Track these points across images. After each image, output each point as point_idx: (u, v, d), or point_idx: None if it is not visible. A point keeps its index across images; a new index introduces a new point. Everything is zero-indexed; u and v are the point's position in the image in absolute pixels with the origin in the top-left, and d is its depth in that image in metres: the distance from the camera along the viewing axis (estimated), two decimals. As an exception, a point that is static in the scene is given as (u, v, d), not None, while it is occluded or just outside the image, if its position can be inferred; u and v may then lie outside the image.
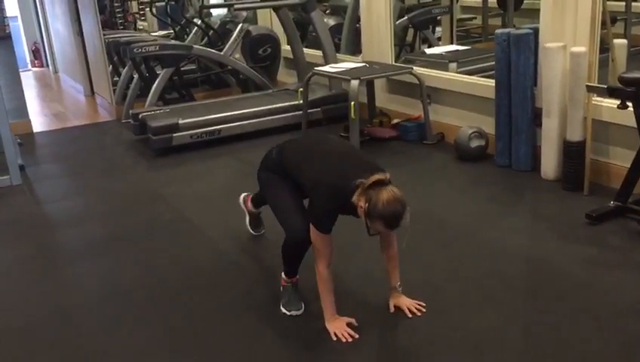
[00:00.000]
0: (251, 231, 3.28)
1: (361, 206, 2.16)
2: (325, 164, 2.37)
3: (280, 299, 2.59)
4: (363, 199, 2.14)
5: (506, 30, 3.97)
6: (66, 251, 3.41)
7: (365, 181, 2.14)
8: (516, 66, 3.82)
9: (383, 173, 2.19)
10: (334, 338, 2.34)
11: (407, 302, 2.52)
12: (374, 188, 2.13)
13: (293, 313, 2.52)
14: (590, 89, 3.41)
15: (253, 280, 2.87)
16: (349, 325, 2.38)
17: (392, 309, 2.52)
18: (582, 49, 3.45)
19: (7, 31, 5.75)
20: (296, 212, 2.44)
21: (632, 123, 3.13)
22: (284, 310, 2.55)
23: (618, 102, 3.12)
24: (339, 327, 2.36)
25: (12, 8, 9.35)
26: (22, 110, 5.92)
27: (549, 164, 3.77)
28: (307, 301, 2.58)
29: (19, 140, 5.11)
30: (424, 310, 2.49)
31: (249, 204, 3.23)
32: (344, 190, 2.20)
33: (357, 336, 2.33)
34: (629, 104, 3.08)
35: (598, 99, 3.49)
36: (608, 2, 3.45)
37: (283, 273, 2.59)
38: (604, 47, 3.62)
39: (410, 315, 2.47)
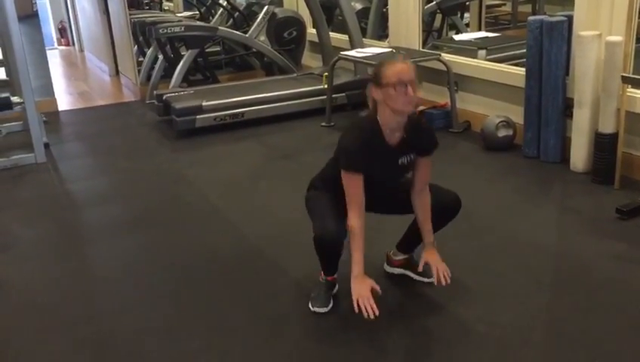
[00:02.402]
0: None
1: (374, 95, 2.21)
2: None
3: (310, 292, 2.51)
4: (373, 90, 2.20)
5: (539, 17, 3.87)
6: (89, 230, 3.42)
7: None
8: (548, 55, 3.73)
9: None
10: (356, 306, 2.18)
11: (439, 263, 2.37)
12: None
13: (316, 309, 2.44)
14: (625, 80, 3.31)
15: (274, 267, 2.85)
16: (373, 291, 2.23)
17: (420, 267, 2.41)
18: (618, 38, 3.35)
19: (35, 9, 5.77)
20: (331, 213, 2.30)
21: (669, 116, 3.03)
22: (309, 304, 2.47)
23: (654, 94, 3.02)
24: (363, 295, 2.19)
25: (39, -14, 9.39)
26: (48, 88, 5.96)
27: (579, 155, 3.68)
28: (338, 299, 2.54)
29: (44, 118, 5.13)
30: (449, 281, 2.36)
31: (396, 257, 2.76)
32: (370, 123, 2.24)
33: (378, 314, 2.19)
34: (666, 96, 2.99)
35: (633, 90, 3.39)
36: (647, -10, 3.34)
37: (322, 271, 2.51)
38: (641, 37, 3.51)
39: (435, 279, 2.35)
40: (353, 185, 2.23)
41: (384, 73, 2.16)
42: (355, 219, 2.24)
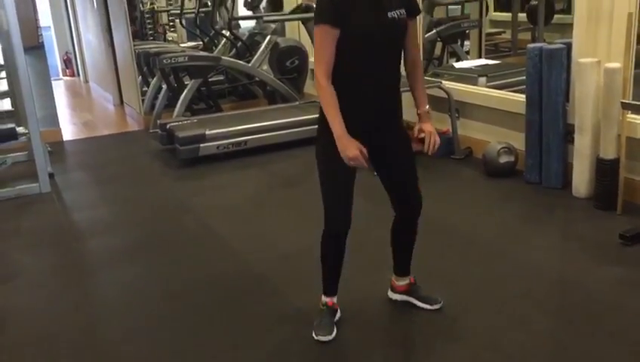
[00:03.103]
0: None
1: None
2: None
3: (313, 320, 2.50)
4: None
5: (538, 45, 3.91)
6: (93, 260, 3.43)
7: None
8: (548, 82, 3.76)
9: None
10: (351, 162, 2.14)
11: (431, 131, 2.31)
12: None
13: (320, 338, 2.43)
14: (625, 106, 3.33)
15: (277, 295, 2.85)
16: (361, 152, 2.16)
17: (416, 133, 2.35)
18: (616, 65, 3.39)
19: (40, 40, 5.85)
20: (343, 204, 2.31)
21: (669, 141, 3.05)
22: (313, 333, 2.46)
23: (654, 119, 3.05)
24: (354, 152, 2.12)
25: (46, 19, 9.54)
26: (53, 118, 6.02)
27: (581, 181, 3.69)
28: (340, 327, 2.54)
29: (49, 148, 5.18)
30: (435, 150, 2.31)
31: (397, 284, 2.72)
32: None
33: (366, 166, 2.16)
34: (666, 122, 3.01)
35: (633, 116, 3.41)
36: (644, 18, 3.38)
37: (322, 293, 2.51)
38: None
39: (427, 144, 2.30)
40: (323, 40, 2.14)
41: None
42: (322, 78, 2.15)
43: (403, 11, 2.22)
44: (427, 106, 2.39)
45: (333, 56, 2.16)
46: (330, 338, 2.43)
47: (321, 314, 2.50)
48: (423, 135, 2.35)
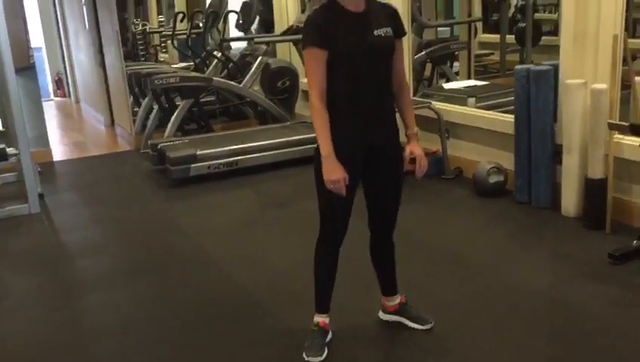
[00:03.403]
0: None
1: None
2: None
3: (304, 341, 2.49)
4: None
5: (526, 66, 3.97)
6: (82, 281, 3.40)
7: None
8: (536, 103, 3.81)
9: None
10: (331, 186, 2.17)
11: (421, 155, 2.36)
12: None
13: (311, 359, 2.41)
14: (612, 126, 3.37)
15: (270, 316, 2.83)
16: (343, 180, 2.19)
17: (407, 153, 2.37)
18: (603, 86, 3.44)
19: (32, 61, 5.86)
20: (339, 214, 2.34)
21: (655, 161, 3.09)
22: (303, 354, 2.44)
23: (640, 140, 3.09)
24: (337, 175, 2.16)
25: (37, 39, 9.56)
26: (43, 139, 6.00)
27: (570, 201, 3.72)
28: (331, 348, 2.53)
29: (39, 169, 5.16)
30: (423, 173, 2.36)
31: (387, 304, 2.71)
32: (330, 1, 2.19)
33: (344, 194, 2.19)
34: (652, 142, 3.05)
35: (620, 136, 3.46)
36: (629, 40, 3.43)
37: (315, 311, 2.51)
38: (626, 84, 3.60)
39: (418, 167, 2.34)
40: (313, 63, 2.18)
41: None
42: (316, 100, 2.19)
43: (389, 30, 2.26)
44: (416, 128, 2.42)
45: (325, 77, 2.20)
46: (320, 359, 2.42)
47: (313, 334, 2.49)
48: (413, 156, 2.37)
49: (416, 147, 2.39)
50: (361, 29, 2.21)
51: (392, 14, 2.33)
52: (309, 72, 2.21)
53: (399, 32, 2.33)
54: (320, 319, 2.50)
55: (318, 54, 2.17)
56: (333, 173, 2.18)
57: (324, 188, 2.27)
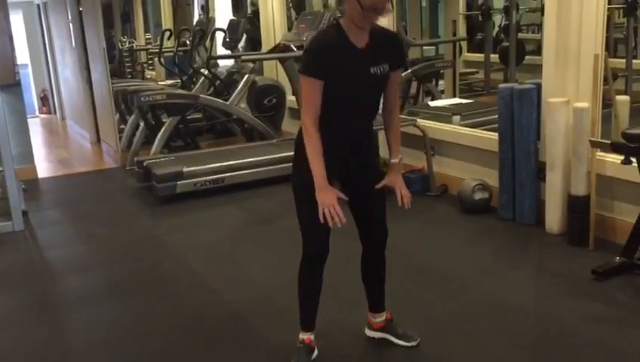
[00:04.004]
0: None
1: (348, 11, 2.17)
2: None
3: (289, 359, 2.48)
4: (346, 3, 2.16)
5: (509, 85, 4.03)
6: (66, 299, 3.37)
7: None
8: (519, 120, 3.86)
9: None
10: (321, 217, 2.18)
11: (401, 186, 2.37)
12: None
13: None
14: (594, 144, 3.42)
15: (256, 335, 2.82)
16: (338, 199, 2.21)
17: (380, 184, 2.37)
18: (585, 104, 3.49)
19: (17, 78, 5.84)
20: (321, 226, 2.29)
21: (637, 178, 3.14)
22: None
23: (622, 157, 3.13)
24: (328, 203, 2.17)
25: (23, 56, 9.54)
26: (28, 156, 5.97)
27: (554, 218, 3.75)
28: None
29: (23, 186, 5.12)
30: (409, 206, 2.35)
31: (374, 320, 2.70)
32: (334, 27, 2.22)
33: (345, 221, 2.18)
34: (633, 160, 3.09)
35: (602, 153, 3.51)
36: (610, 59, 3.50)
37: (300, 328, 2.51)
38: (607, 103, 3.66)
39: (399, 203, 2.34)
40: (309, 91, 2.20)
41: None
42: (310, 125, 2.20)
43: (386, 66, 2.29)
44: (399, 156, 2.43)
45: (320, 104, 2.22)
46: None
47: (299, 352, 2.48)
48: (392, 187, 2.39)
49: (398, 178, 2.40)
50: (358, 66, 2.24)
51: (396, 47, 2.36)
52: (305, 97, 2.23)
53: (398, 65, 2.37)
54: (305, 336, 2.49)
55: (315, 83, 2.20)
56: (328, 197, 2.19)
57: (301, 200, 2.30)
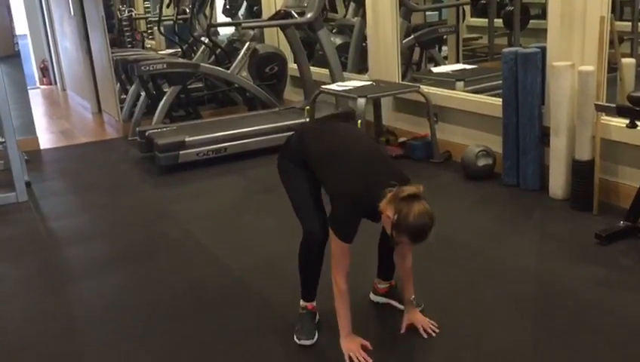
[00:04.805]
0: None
1: (388, 216, 2.07)
2: (350, 168, 2.24)
3: (294, 325, 2.51)
4: (392, 209, 2.05)
5: (513, 49, 3.97)
6: (71, 269, 3.39)
7: (398, 191, 2.06)
8: (523, 85, 3.82)
9: (417, 186, 2.10)
10: (347, 360, 2.29)
11: (422, 321, 2.47)
12: (406, 201, 2.05)
13: (303, 342, 2.43)
14: (599, 108, 3.39)
15: (261, 301, 2.84)
16: (363, 348, 2.32)
17: (403, 328, 2.47)
18: (590, 68, 3.45)
19: (16, 49, 5.79)
20: (315, 209, 2.38)
21: (642, 142, 3.11)
22: (295, 338, 2.46)
23: (627, 121, 3.10)
24: (353, 349, 2.30)
25: (22, 26, 9.44)
26: (29, 127, 5.95)
27: (557, 183, 3.74)
28: (321, 330, 2.54)
29: (26, 157, 5.12)
30: (437, 331, 2.45)
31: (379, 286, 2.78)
32: (369, 199, 2.13)
33: (370, 361, 2.28)
34: (639, 123, 3.06)
35: (607, 118, 3.48)
36: (615, 22, 3.44)
37: (301, 298, 2.53)
38: (612, 67, 3.61)
39: (425, 335, 2.43)
40: (342, 252, 2.25)
41: (407, 225, 2.06)
42: (342, 282, 2.28)
43: None
44: (412, 296, 2.48)
45: (350, 258, 2.27)
46: (312, 341, 2.44)
47: (302, 317, 2.50)
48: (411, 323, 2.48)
49: (416, 315, 2.49)
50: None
51: None
52: (338, 258, 2.25)
53: None
54: (307, 304, 2.52)
55: (348, 247, 2.24)
56: (354, 344, 2.32)
57: (292, 188, 2.47)
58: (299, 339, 2.44)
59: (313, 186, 2.42)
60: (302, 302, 2.52)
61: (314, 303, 2.52)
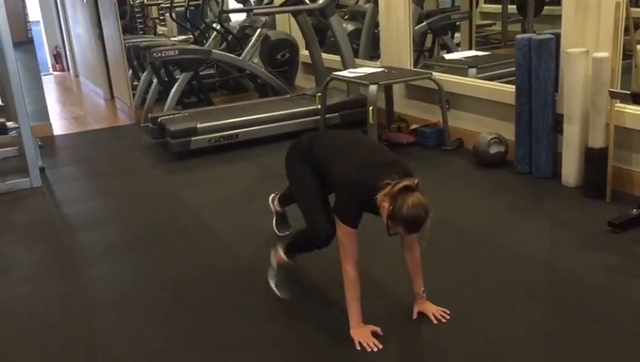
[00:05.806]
0: (277, 232, 3.29)
1: (384, 206, 2.15)
2: (354, 160, 2.36)
3: (272, 276, 2.69)
4: (388, 201, 2.14)
5: (527, 35, 3.93)
6: (85, 253, 3.43)
7: (393, 184, 2.14)
8: (537, 72, 3.79)
9: (411, 179, 2.18)
10: (358, 347, 2.30)
11: (432, 309, 2.49)
12: (401, 193, 2.12)
13: (283, 295, 2.61)
14: (613, 95, 3.36)
15: (270, 286, 2.85)
16: (373, 334, 2.35)
17: (414, 316, 2.49)
18: (604, 54, 3.41)
19: (30, 35, 5.82)
20: (322, 208, 2.45)
21: (656, 130, 3.08)
22: (273, 287, 2.65)
23: (642, 108, 3.08)
24: (364, 336, 2.33)
25: (35, 13, 9.47)
26: (43, 113, 5.99)
27: (570, 170, 3.72)
28: (327, 310, 2.56)
29: (39, 143, 5.16)
30: (448, 317, 2.46)
31: (276, 203, 3.27)
32: (370, 188, 2.19)
33: (381, 347, 2.30)
34: (653, 110, 3.04)
35: (621, 105, 3.45)
36: (631, 8, 3.40)
37: (282, 250, 2.64)
38: (627, 53, 3.57)
39: (435, 322, 2.44)
40: (349, 240, 2.30)
41: (401, 216, 2.13)
42: (352, 271, 2.31)
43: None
44: (422, 288, 2.50)
45: (358, 247, 2.32)
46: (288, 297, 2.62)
47: (282, 269, 2.67)
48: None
49: (426, 305, 2.51)
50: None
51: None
52: (346, 246, 2.31)
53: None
54: (284, 257, 2.67)
55: (354, 233, 2.30)
56: (363, 333, 2.34)
57: (300, 189, 2.58)
58: (279, 291, 2.65)
59: (320, 187, 2.49)
60: (283, 254, 2.65)
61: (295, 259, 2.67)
